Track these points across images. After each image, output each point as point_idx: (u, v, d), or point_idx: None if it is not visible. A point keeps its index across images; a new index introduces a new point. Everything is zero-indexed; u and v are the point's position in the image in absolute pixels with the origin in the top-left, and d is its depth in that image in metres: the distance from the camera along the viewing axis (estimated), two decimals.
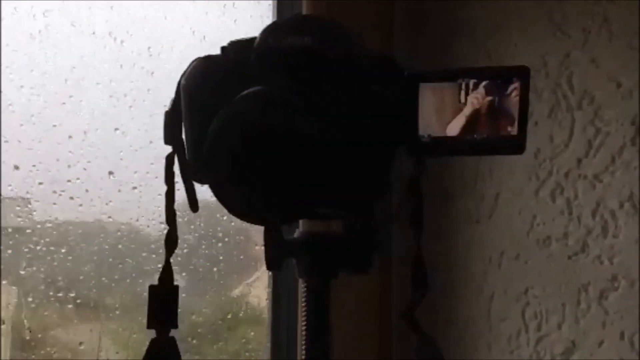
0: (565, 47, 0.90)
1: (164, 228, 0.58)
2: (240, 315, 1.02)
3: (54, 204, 0.83)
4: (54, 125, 0.83)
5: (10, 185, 0.81)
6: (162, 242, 0.58)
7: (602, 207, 0.87)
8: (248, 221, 0.51)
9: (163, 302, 0.57)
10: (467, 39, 0.97)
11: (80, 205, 0.85)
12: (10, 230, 0.83)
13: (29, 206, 0.83)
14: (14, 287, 0.85)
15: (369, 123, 0.50)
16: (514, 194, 0.95)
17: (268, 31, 0.50)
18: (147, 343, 0.57)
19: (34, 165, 0.82)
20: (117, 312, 0.91)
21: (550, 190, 0.91)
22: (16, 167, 0.81)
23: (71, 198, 0.84)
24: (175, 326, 0.57)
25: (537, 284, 0.92)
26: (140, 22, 0.90)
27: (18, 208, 0.83)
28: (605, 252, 0.87)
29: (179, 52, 0.92)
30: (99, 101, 0.87)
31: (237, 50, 0.54)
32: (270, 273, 1.01)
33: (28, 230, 0.84)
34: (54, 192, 0.83)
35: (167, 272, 0.58)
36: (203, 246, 0.97)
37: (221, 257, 0.99)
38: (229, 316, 1.00)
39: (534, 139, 0.92)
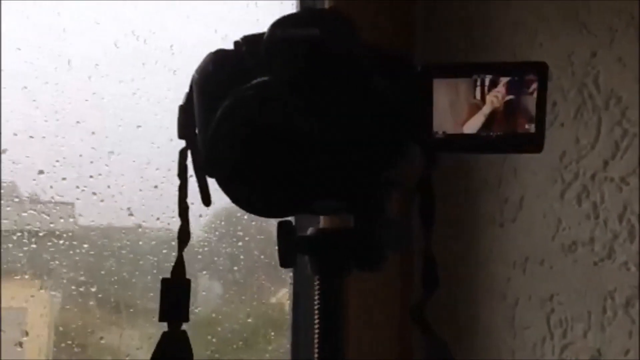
0: (592, 46, 0.88)
1: None
2: (261, 315, 1.02)
3: (77, 199, 0.84)
4: (78, 122, 0.85)
5: (34, 180, 0.83)
6: None
7: (629, 211, 0.85)
8: (251, 212, 0.51)
9: (175, 295, 0.57)
10: (491, 38, 0.95)
11: (102, 201, 0.86)
12: (36, 232, 0.84)
13: (52, 208, 0.85)
14: (40, 281, 0.87)
15: (370, 119, 0.50)
16: (538, 197, 0.93)
17: (277, 23, 0.50)
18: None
19: (57, 161, 0.83)
20: (138, 308, 0.92)
21: (576, 194, 0.89)
22: (40, 172, 0.83)
23: (94, 193, 0.85)
24: (187, 320, 0.57)
25: (562, 290, 0.90)
26: (163, 21, 0.91)
27: (60, 213, 0.85)
28: (632, 258, 0.84)
29: (201, 51, 0.92)
30: (121, 98, 0.88)
31: (248, 44, 0.54)
32: (291, 274, 1.01)
33: (52, 224, 0.85)
34: (77, 187, 0.84)
35: (179, 265, 0.58)
36: (224, 245, 0.98)
37: (242, 257, 0.99)
38: (250, 319, 1.00)
39: (559, 141, 0.90)
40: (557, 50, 0.90)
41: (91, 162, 0.87)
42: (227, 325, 0.99)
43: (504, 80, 0.58)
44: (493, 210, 0.97)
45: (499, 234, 0.96)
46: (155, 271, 0.92)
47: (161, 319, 0.56)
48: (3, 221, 0.83)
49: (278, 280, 1.03)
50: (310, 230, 0.62)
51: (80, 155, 0.85)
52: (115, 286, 0.90)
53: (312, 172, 0.47)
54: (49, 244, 0.85)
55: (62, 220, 0.85)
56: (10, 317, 0.85)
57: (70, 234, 0.86)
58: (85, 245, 0.87)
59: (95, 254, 0.88)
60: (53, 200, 0.84)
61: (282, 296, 1.03)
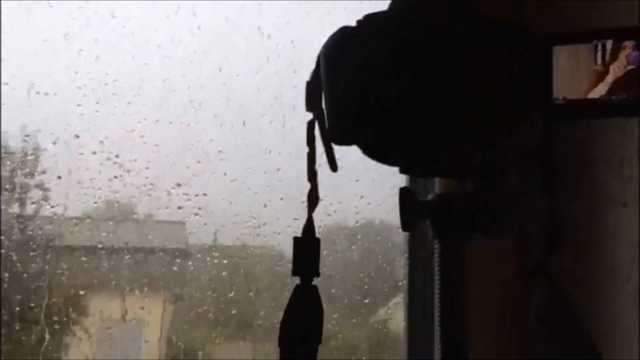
0: None
1: None
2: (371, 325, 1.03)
3: (205, 194, 0.91)
4: (214, 116, 0.93)
5: (172, 165, 0.91)
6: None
7: None
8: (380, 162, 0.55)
9: (306, 252, 0.62)
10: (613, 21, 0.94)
11: (232, 181, 0.93)
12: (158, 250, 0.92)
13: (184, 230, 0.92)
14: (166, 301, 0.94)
15: (488, 86, 0.52)
16: None
17: None
18: None
19: (189, 148, 0.92)
20: (250, 324, 0.96)
21: None
22: (178, 185, 0.90)
23: (224, 173, 0.92)
24: (317, 275, 0.62)
25: None
26: (286, 18, 0.97)
27: (173, 231, 0.92)
28: None
29: (320, 45, 0.98)
30: (247, 90, 0.95)
31: (370, 21, 0.59)
32: (407, 289, 1.00)
33: (166, 242, 0.91)
34: (210, 173, 0.92)
35: (309, 225, 0.63)
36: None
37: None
38: (364, 335, 1.02)
39: None
40: None
41: (219, 151, 0.94)
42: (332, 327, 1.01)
43: (625, 45, 0.59)
44: (616, 190, 0.95)
45: (622, 214, 0.94)
46: (268, 286, 0.97)
47: (294, 274, 0.61)
48: (123, 238, 0.91)
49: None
50: (430, 195, 0.65)
51: (211, 140, 0.92)
52: (228, 303, 0.95)
53: (429, 134, 0.51)
54: (163, 260, 0.92)
55: (175, 238, 0.93)
56: (129, 328, 0.93)
57: (183, 251, 0.93)
58: (199, 262, 0.94)
59: (209, 270, 0.94)
60: (168, 220, 0.92)
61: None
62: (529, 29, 0.57)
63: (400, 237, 0.99)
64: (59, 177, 0.86)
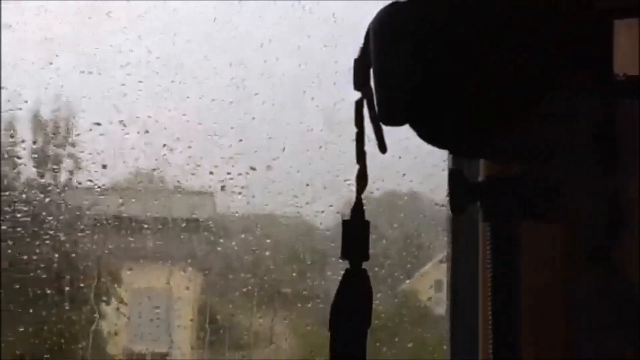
0: None
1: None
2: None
3: (247, 172, 0.91)
4: (255, 94, 0.92)
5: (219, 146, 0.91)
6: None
7: None
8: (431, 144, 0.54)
9: (355, 235, 0.61)
10: None
11: (274, 159, 0.92)
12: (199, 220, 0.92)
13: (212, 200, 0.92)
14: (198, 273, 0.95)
15: (544, 62, 0.50)
16: None
17: None
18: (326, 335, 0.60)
19: (231, 128, 0.91)
20: (282, 296, 0.96)
21: None
22: (220, 164, 0.89)
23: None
24: (367, 258, 0.61)
25: None
26: None
27: (201, 202, 0.92)
28: None
29: (360, 18, 0.96)
30: (288, 67, 0.94)
31: None
32: (450, 269, 0.98)
33: (193, 214, 0.92)
34: (255, 151, 0.92)
35: (358, 207, 0.61)
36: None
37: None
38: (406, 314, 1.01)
39: None
40: None
41: (261, 129, 0.94)
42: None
43: None
44: None
45: None
46: (311, 266, 0.97)
47: (343, 257, 0.60)
48: (150, 210, 0.91)
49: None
50: (481, 177, 0.63)
51: (253, 118, 0.92)
52: (273, 276, 0.96)
53: (479, 117, 0.49)
54: (193, 232, 0.92)
55: (203, 209, 0.93)
56: (175, 306, 0.94)
57: (212, 222, 0.93)
58: (242, 236, 0.94)
59: (252, 249, 0.94)
60: (195, 189, 0.92)
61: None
62: (589, 2, 0.55)
63: (443, 215, 0.98)
64: (104, 167, 0.87)
